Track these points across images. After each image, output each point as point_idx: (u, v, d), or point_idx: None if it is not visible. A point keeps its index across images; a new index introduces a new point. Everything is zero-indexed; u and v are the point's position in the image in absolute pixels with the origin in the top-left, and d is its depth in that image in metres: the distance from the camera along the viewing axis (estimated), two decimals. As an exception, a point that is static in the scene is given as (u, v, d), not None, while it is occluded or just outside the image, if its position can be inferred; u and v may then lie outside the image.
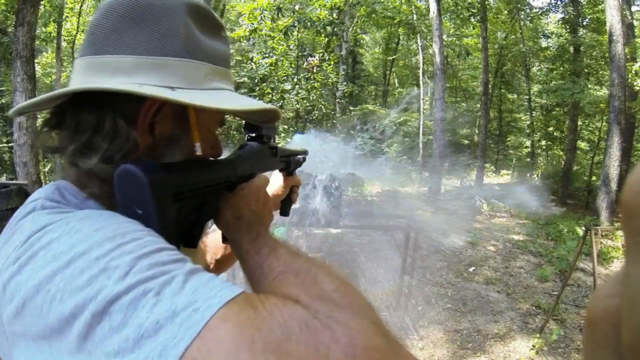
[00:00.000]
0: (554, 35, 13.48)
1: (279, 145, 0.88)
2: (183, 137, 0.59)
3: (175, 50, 0.55)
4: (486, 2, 11.74)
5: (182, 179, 0.53)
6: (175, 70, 0.55)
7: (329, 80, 10.93)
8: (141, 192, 0.46)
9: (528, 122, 15.02)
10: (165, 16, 0.55)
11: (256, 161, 0.75)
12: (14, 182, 5.49)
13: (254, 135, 0.77)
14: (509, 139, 15.92)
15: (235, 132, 13.18)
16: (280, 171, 0.96)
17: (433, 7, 8.62)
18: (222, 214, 0.66)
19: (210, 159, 0.67)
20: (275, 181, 0.98)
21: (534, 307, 4.38)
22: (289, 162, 0.95)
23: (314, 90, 9.64)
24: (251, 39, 10.45)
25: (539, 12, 13.30)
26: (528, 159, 14.53)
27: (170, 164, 0.55)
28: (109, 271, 0.37)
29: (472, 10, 10.91)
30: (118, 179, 0.47)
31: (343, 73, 12.46)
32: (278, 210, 1.03)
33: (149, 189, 0.46)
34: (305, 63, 9.03)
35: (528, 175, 13.37)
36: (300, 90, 9.10)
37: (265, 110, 0.63)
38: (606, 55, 9.42)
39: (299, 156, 1.02)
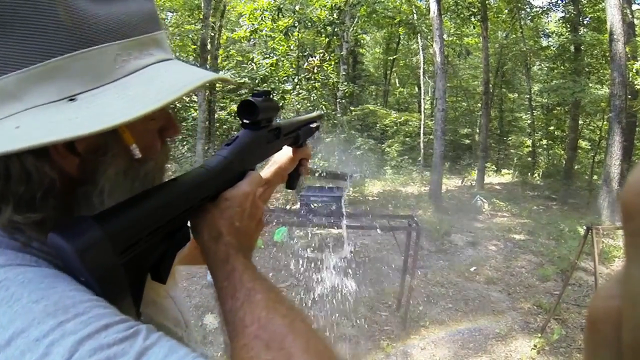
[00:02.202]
0: (554, 34, 13.49)
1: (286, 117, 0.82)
2: (113, 143, 0.48)
3: (62, 45, 0.42)
4: (486, 2, 11.73)
5: (130, 229, 0.44)
6: (72, 71, 0.43)
7: (330, 81, 10.92)
8: (74, 263, 0.40)
9: (529, 122, 15.02)
10: (34, 6, 0.41)
11: (248, 155, 0.65)
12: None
13: (248, 122, 0.66)
14: (509, 138, 15.90)
15: (235, 132, 13.20)
16: (289, 145, 0.87)
17: (433, 6, 8.61)
18: (198, 231, 0.56)
19: (179, 177, 0.55)
20: (282, 153, 0.90)
21: (535, 307, 4.38)
22: (298, 136, 0.86)
23: (315, 91, 9.64)
24: (252, 40, 10.45)
25: (540, 11, 13.29)
26: (529, 158, 14.51)
27: (114, 211, 0.44)
28: (49, 357, 0.34)
29: (473, 10, 10.91)
30: (53, 250, 0.41)
31: (344, 73, 12.45)
32: (284, 183, 0.94)
33: (79, 261, 0.39)
34: (306, 63, 9.04)
35: (529, 174, 13.35)
36: (301, 91, 9.10)
37: (205, 84, 0.50)
38: (607, 54, 9.41)
39: (310, 125, 0.93)
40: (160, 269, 0.52)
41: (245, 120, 0.66)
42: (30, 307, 0.37)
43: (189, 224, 0.58)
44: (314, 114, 0.98)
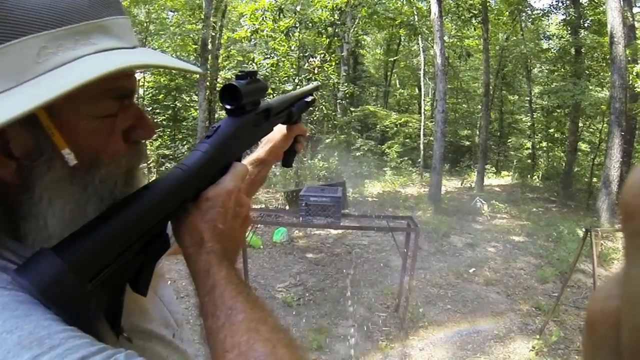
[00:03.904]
0: (555, 36, 13.48)
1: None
2: (46, 147, 0.44)
3: None
4: (487, 4, 11.74)
5: (97, 256, 0.42)
6: None
7: (330, 81, 10.94)
8: (41, 300, 0.39)
9: (529, 124, 15.02)
10: None
11: (233, 145, 0.59)
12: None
13: (232, 107, 0.60)
14: (509, 140, 15.91)
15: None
16: (282, 123, 0.83)
17: (434, 8, 8.62)
18: (179, 236, 0.53)
19: (152, 183, 0.50)
20: (276, 131, 0.85)
21: (533, 309, 4.38)
22: (291, 113, 0.81)
23: (315, 91, 9.66)
24: (252, 40, 10.46)
25: (540, 14, 13.30)
26: (529, 160, 14.52)
27: (78, 238, 0.42)
28: None
29: (474, 12, 10.92)
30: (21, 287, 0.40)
31: (344, 74, 12.46)
32: (280, 162, 0.91)
33: (43, 299, 0.38)
34: (307, 64, 9.05)
35: (529, 176, 13.36)
36: (301, 91, 9.11)
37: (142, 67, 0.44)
38: (607, 56, 9.42)
39: (305, 99, 0.88)
40: (139, 281, 0.49)
41: (228, 107, 0.60)
42: (4, 338, 0.35)
43: (168, 228, 0.54)
44: (309, 86, 0.94)
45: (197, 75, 9.68)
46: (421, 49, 13.73)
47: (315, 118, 11.18)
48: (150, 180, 0.53)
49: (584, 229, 3.55)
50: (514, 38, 13.97)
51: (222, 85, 0.59)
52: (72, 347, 0.36)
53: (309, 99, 0.90)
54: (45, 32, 0.40)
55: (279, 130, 0.86)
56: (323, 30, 8.88)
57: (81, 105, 0.44)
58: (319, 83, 0.98)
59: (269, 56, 9.71)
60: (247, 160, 0.87)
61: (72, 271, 0.39)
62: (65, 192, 0.46)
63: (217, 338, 0.45)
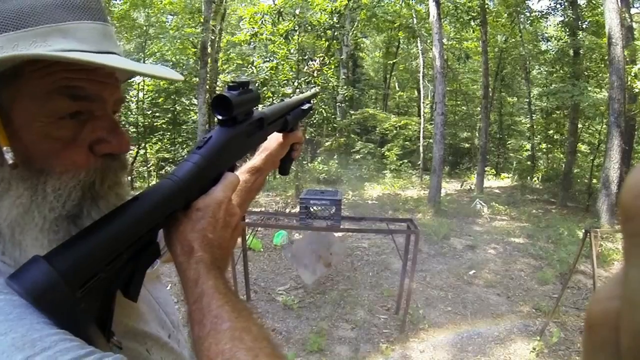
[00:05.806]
0: (553, 38, 13.50)
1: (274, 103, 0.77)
2: None
3: None
4: (486, 6, 11.78)
5: (87, 264, 0.43)
6: None
7: (330, 84, 10.95)
8: (33, 305, 0.40)
9: (528, 125, 15.04)
10: None
11: (225, 155, 0.59)
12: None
13: (223, 118, 0.59)
14: (509, 142, 15.92)
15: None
16: (277, 131, 0.82)
17: (433, 10, 8.65)
18: (170, 244, 0.54)
19: (142, 194, 0.51)
20: (272, 139, 0.85)
21: (534, 310, 4.38)
22: (286, 121, 0.80)
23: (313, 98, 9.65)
24: (252, 43, 10.50)
25: (539, 16, 13.34)
26: (528, 162, 14.53)
27: (68, 247, 0.43)
28: None
29: (472, 14, 10.95)
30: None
31: (343, 77, 12.51)
32: (277, 169, 0.91)
33: (36, 306, 0.40)
34: (306, 67, 9.05)
35: (528, 178, 13.36)
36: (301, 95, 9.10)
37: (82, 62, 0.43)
38: (606, 57, 9.44)
39: (302, 107, 0.88)
40: (129, 288, 0.50)
41: (220, 117, 0.59)
42: None
43: (160, 237, 0.55)
44: (307, 93, 0.93)
45: (197, 79, 9.69)
46: (420, 51, 13.77)
47: (314, 121, 11.21)
48: (144, 188, 0.53)
49: (583, 230, 3.56)
50: (513, 40, 14.00)
51: (214, 96, 0.59)
52: (62, 349, 0.38)
53: (306, 106, 0.89)
54: (4, 34, 0.42)
55: (275, 138, 0.86)
56: (322, 34, 8.90)
57: (30, 103, 0.45)
58: (317, 90, 0.97)
59: (268, 59, 9.73)
60: (243, 168, 0.87)
61: (62, 279, 0.40)
62: (15, 192, 0.46)
63: (202, 345, 0.46)
